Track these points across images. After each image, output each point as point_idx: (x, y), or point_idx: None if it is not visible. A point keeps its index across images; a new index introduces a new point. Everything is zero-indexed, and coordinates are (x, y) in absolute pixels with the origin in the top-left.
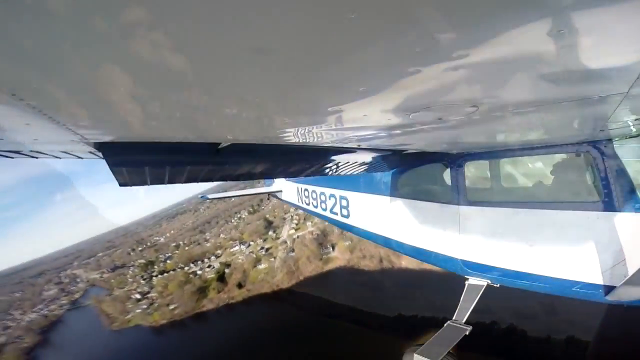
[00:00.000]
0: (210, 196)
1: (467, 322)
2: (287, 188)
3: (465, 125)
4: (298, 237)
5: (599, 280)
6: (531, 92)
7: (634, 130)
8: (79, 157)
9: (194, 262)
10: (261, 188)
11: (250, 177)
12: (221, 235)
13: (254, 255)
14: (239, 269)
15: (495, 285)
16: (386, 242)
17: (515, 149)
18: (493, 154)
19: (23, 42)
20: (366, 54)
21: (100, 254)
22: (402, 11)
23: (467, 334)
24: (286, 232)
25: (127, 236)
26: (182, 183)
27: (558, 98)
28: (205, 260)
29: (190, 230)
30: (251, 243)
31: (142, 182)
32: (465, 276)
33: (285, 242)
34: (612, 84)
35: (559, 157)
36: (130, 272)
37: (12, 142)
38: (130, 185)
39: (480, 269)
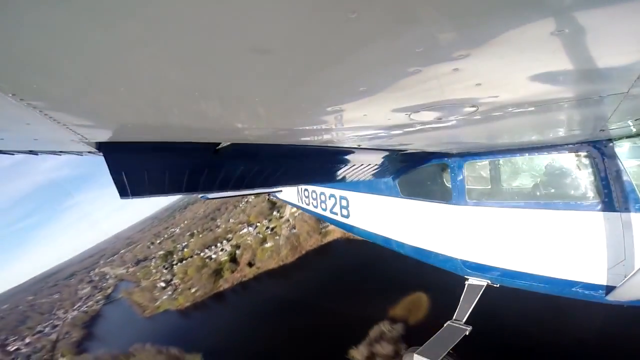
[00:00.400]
0: (210, 196)
1: (467, 322)
2: (287, 188)
3: (465, 125)
4: (298, 214)
5: (599, 280)
6: (531, 92)
7: (634, 130)
8: (79, 155)
9: (208, 247)
10: (261, 188)
11: (250, 184)
12: (230, 220)
13: (261, 236)
14: (249, 250)
15: (495, 285)
16: (386, 242)
17: (515, 149)
18: (493, 154)
19: (23, 42)
20: (366, 54)
21: (123, 251)
22: (402, 11)
23: (467, 334)
24: (288, 210)
25: (144, 231)
26: (182, 193)
27: (558, 98)
28: (218, 244)
29: (202, 218)
30: (258, 224)
31: (142, 191)
32: (465, 276)
33: (288, 220)
34: (612, 84)
35: (559, 157)
36: (153, 263)
37: (13, 141)
38: (131, 196)
39: (480, 269)
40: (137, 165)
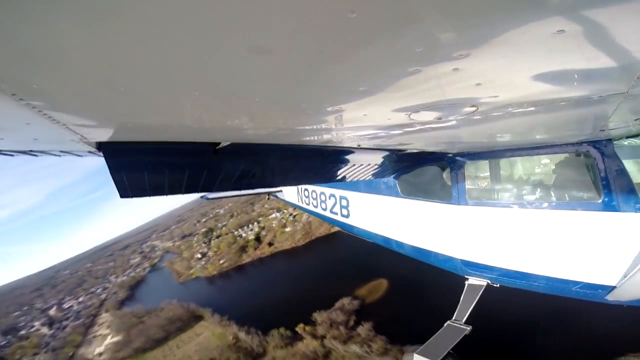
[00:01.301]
0: (210, 196)
1: (467, 322)
2: (287, 188)
3: (465, 125)
4: None
5: (599, 280)
6: (531, 92)
7: (634, 130)
8: (79, 156)
9: (242, 227)
10: (261, 188)
11: (250, 184)
12: (265, 205)
13: (284, 221)
14: (272, 232)
15: (495, 285)
16: (386, 242)
17: (515, 149)
18: (493, 154)
19: (23, 43)
20: (366, 54)
21: (173, 227)
22: (402, 11)
23: (467, 333)
24: None
25: (193, 210)
26: (181, 193)
27: (558, 98)
28: (250, 225)
29: (244, 202)
30: (284, 211)
31: (143, 191)
32: (465, 276)
33: None
34: (612, 84)
35: (559, 157)
36: (195, 238)
37: (13, 141)
38: (131, 195)
39: (480, 269)
40: (137, 165)
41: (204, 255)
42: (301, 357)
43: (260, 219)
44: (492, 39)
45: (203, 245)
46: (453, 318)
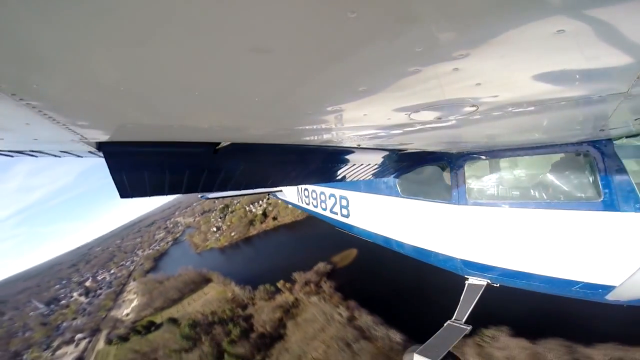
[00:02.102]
0: (210, 195)
1: (467, 322)
2: (287, 188)
3: (465, 124)
4: None
5: (599, 280)
6: (531, 91)
7: (634, 130)
8: (79, 156)
9: (252, 203)
10: (261, 188)
11: (250, 183)
12: None
13: None
14: (277, 207)
15: (495, 285)
16: (386, 242)
17: (515, 148)
18: (493, 153)
19: (23, 42)
20: (366, 54)
21: (195, 204)
22: (402, 11)
23: (467, 333)
24: None
25: None
26: (182, 192)
27: (558, 98)
28: (260, 202)
29: None
30: None
31: (143, 191)
32: (465, 276)
33: None
34: (612, 84)
35: (558, 157)
36: (213, 214)
37: (13, 141)
38: (131, 195)
39: (480, 269)
40: (137, 165)
41: (218, 228)
42: (277, 306)
43: (269, 195)
44: (492, 39)
45: (219, 220)
46: (453, 318)
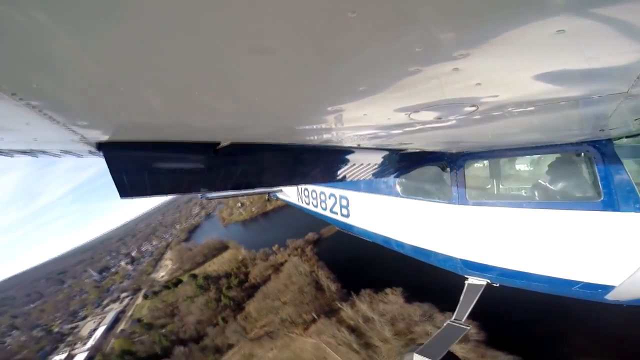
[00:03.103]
0: (209, 195)
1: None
2: (287, 188)
3: (465, 124)
4: None
5: (599, 280)
6: (531, 91)
7: (634, 130)
8: (79, 156)
9: None
10: (261, 188)
11: (250, 183)
12: None
13: None
14: None
15: (495, 284)
16: (386, 242)
17: (515, 148)
18: (493, 153)
19: (23, 42)
20: (366, 54)
21: None
22: (402, 11)
23: (467, 333)
24: None
25: None
26: (182, 193)
27: (558, 98)
28: None
29: None
30: None
31: (143, 191)
32: (465, 275)
33: None
34: (612, 84)
35: (558, 156)
36: None
37: (12, 141)
38: (132, 195)
39: (480, 269)
40: (137, 165)
41: (242, 204)
42: (269, 265)
43: None
44: (492, 39)
45: (245, 196)
46: (453, 318)
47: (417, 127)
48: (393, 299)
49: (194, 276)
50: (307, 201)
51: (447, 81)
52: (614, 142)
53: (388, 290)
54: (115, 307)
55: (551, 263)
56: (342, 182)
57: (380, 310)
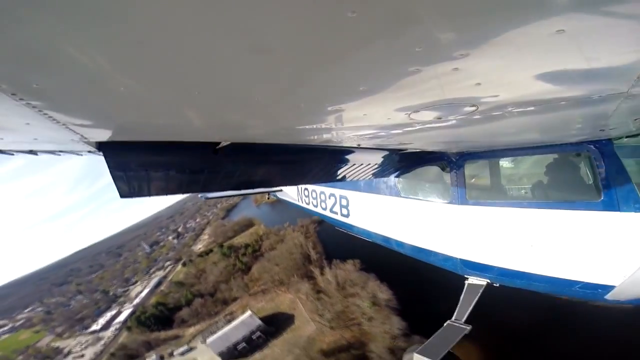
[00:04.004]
0: (210, 195)
1: (467, 322)
2: (287, 187)
3: (465, 124)
4: None
5: (599, 280)
6: (531, 91)
7: (634, 130)
8: (79, 155)
9: None
10: (261, 187)
11: (250, 183)
12: None
13: None
14: None
15: (495, 284)
16: (386, 241)
17: (515, 148)
18: (493, 153)
19: (23, 43)
20: (366, 54)
21: None
22: (402, 11)
23: (467, 333)
24: None
25: None
26: (182, 192)
27: (558, 98)
28: None
29: None
30: None
31: (143, 191)
32: (465, 275)
33: None
34: (612, 84)
35: (558, 156)
36: None
37: (13, 141)
38: (132, 195)
39: (480, 269)
40: (137, 165)
41: None
42: (279, 239)
43: None
44: (492, 39)
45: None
46: (453, 318)
47: (417, 127)
48: (350, 268)
49: (221, 246)
50: (307, 201)
51: (447, 81)
52: (614, 142)
53: (350, 261)
54: (160, 274)
55: (551, 263)
56: (342, 182)
57: (337, 275)
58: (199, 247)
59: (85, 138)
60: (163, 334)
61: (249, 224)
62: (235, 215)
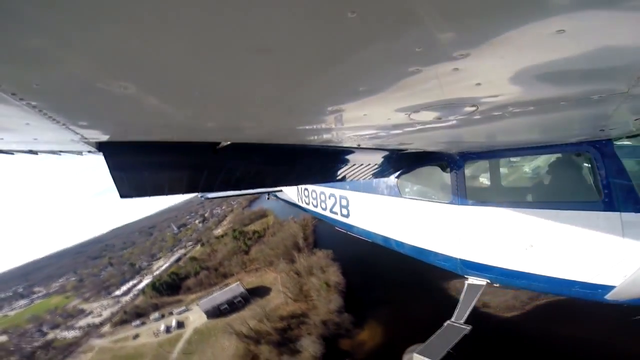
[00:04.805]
0: (209, 195)
1: (466, 322)
2: (287, 187)
3: (465, 124)
4: None
5: (599, 280)
6: (531, 92)
7: (634, 130)
8: (79, 154)
9: None
10: (261, 187)
11: (250, 183)
12: None
13: None
14: None
15: (495, 285)
16: (386, 242)
17: (515, 148)
18: (493, 153)
19: (23, 42)
20: (366, 54)
21: None
22: (402, 11)
23: (467, 333)
24: None
25: None
26: (182, 193)
27: (558, 98)
28: None
29: None
30: None
31: (143, 191)
32: (465, 275)
33: None
34: (613, 84)
35: (559, 156)
36: None
37: (12, 141)
38: (131, 195)
39: (480, 269)
40: (137, 165)
41: None
42: (280, 228)
43: None
44: (492, 39)
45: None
46: (453, 318)
47: (417, 127)
48: (322, 255)
49: (234, 231)
50: (307, 201)
51: (447, 81)
52: (614, 142)
53: (325, 251)
54: (181, 252)
55: (551, 263)
56: (342, 182)
57: (310, 260)
58: (218, 231)
59: (85, 138)
60: (170, 299)
61: (263, 214)
62: (255, 205)
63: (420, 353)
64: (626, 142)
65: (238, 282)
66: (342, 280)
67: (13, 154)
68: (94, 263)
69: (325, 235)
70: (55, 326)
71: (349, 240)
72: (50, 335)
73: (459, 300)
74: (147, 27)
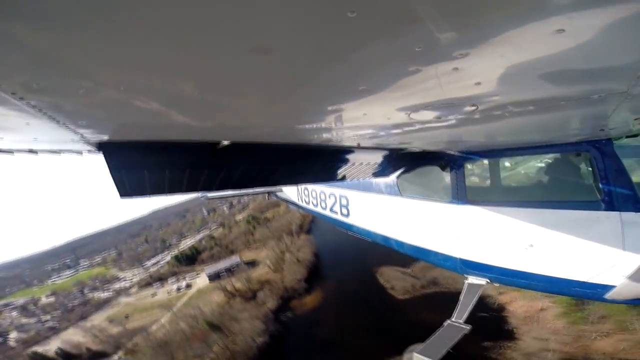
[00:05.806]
0: (210, 195)
1: (467, 322)
2: (287, 187)
3: (465, 124)
4: None
5: (599, 280)
6: (531, 91)
7: (634, 129)
8: (79, 154)
9: None
10: (261, 187)
11: (250, 183)
12: None
13: None
14: None
15: (494, 284)
16: (385, 241)
17: (515, 148)
18: (493, 153)
19: (23, 42)
20: (366, 53)
21: None
22: (402, 10)
23: (467, 333)
24: None
25: None
26: (182, 192)
27: (558, 97)
28: None
29: None
30: None
31: (143, 191)
32: (465, 275)
33: None
34: (612, 83)
35: (558, 156)
36: None
37: (12, 140)
38: (131, 195)
39: (480, 268)
40: (137, 165)
41: None
42: (286, 214)
43: None
44: (492, 38)
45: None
46: (453, 317)
47: (417, 127)
48: (303, 238)
49: (249, 216)
50: (307, 200)
51: (447, 81)
52: (614, 142)
53: (308, 235)
54: (205, 232)
55: (551, 263)
56: (342, 182)
57: (295, 242)
58: (240, 217)
59: (86, 138)
60: (187, 268)
61: (277, 204)
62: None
63: (420, 353)
64: (626, 142)
65: (237, 256)
66: (312, 259)
67: (13, 153)
68: (133, 240)
69: (320, 224)
70: (93, 289)
71: (334, 231)
72: (89, 296)
73: (459, 300)
74: (147, 27)
